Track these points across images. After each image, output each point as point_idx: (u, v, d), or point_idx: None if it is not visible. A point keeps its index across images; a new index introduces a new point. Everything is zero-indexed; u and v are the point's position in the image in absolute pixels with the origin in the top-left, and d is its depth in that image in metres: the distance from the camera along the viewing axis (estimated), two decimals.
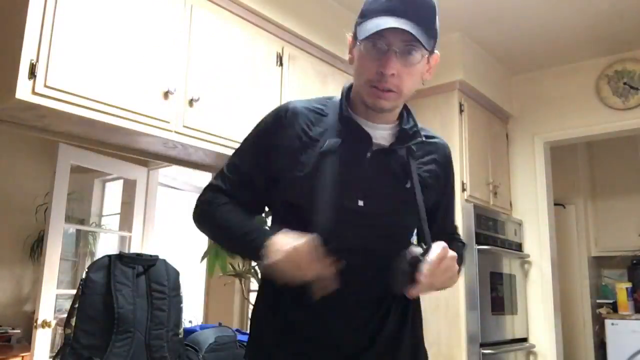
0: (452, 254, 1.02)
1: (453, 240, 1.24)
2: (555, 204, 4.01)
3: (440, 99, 3.35)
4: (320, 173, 1.06)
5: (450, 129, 3.29)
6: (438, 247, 1.01)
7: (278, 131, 1.14)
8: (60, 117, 1.83)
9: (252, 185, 1.16)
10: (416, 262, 0.99)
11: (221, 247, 1.26)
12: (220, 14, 2.34)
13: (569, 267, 4.65)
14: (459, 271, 1.16)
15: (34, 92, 1.67)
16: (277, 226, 1.07)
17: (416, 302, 1.17)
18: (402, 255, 1.01)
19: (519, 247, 3.65)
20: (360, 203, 1.06)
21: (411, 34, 1.00)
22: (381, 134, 1.13)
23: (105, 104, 1.85)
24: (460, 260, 1.20)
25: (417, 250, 1.02)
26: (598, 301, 4.81)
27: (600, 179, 4.98)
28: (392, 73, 1.03)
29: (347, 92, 1.17)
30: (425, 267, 0.98)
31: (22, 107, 1.72)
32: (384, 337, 1.09)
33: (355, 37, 1.10)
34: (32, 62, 1.67)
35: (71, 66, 1.76)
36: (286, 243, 0.98)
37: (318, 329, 1.07)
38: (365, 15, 1.07)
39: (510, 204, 3.77)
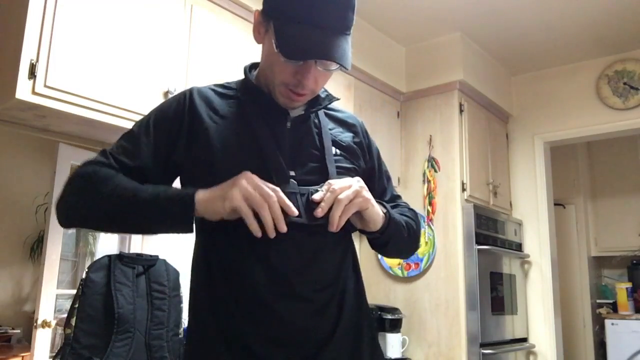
0: (357, 178, 1.04)
1: (397, 206, 1.21)
2: (555, 204, 4.01)
3: (440, 99, 3.35)
4: (245, 149, 1.03)
5: (450, 129, 3.29)
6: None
7: (184, 115, 1.07)
8: (60, 117, 1.83)
9: (146, 171, 1.05)
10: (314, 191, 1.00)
11: (110, 223, 1.02)
12: (220, 14, 2.34)
13: (569, 267, 4.66)
14: (413, 232, 1.17)
15: (34, 92, 1.67)
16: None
17: (361, 280, 1.14)
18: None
19: (519, 247, 3.65)
20: (292, 173, 1.04)
21: (336, 59, 0.95)
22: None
23: (105, 104, 1.85)
24: (415, 223, 1.19)
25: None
26: (598, 301, 4.81)
27: (600, 179, 4.98)
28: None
29: (250, 69, 1.15)
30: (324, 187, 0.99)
31: (22, 107, 1.72)
32: (344, 324, 1.03)
33: (265, 15, 1.03)
34: (32, 62, 1.67)
35: (71, 66, 1.76)
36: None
37: (272, 327, 0.98)
38: (284, 9, 0.98)
39: (510, 204, 3.77)
